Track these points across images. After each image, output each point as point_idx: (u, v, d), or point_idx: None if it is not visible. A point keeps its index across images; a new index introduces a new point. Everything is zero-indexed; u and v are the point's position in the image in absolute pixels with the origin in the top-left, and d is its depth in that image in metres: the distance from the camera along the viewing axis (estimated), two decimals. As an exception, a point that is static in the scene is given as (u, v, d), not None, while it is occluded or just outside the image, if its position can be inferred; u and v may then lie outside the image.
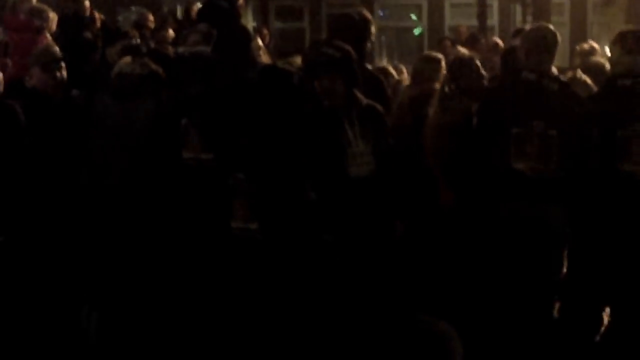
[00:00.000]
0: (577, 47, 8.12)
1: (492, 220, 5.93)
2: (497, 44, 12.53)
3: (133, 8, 21.84)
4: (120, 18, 19.94)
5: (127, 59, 6.11)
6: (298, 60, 9.39)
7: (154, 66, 6.05)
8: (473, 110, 6.32)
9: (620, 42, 6.19)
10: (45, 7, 8.86)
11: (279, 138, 5.05)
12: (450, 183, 6.28)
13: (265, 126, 5.10)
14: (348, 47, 5.55)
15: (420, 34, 22.77)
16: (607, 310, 6.36)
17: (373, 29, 6.34)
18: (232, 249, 5.16)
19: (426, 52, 8.62)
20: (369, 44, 6.30)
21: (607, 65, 8.50)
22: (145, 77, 5.98)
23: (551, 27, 6.28)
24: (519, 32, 8.87)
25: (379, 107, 5.65)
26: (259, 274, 5.05)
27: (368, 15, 6.35)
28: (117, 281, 5.68)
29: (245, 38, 5.87)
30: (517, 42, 7.30)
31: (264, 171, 4.98)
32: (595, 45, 9.07)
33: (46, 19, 8.56)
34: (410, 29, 22.91)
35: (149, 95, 5.99)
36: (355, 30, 6.11)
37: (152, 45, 6.85)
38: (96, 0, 11.79)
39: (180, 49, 6.04)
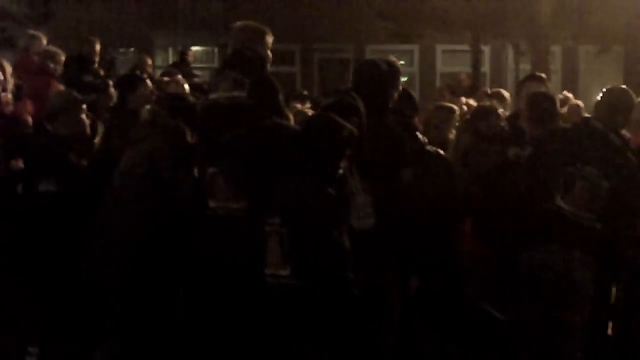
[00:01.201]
0: None
1: (520, 266, 5.93)
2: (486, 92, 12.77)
3: (121, 50, 21.88)
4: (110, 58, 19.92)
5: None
6: (299, 106, 9.37)
7: (162, 113, 6.03)
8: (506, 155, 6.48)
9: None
10: (57, 50, 8.82)
11: (318, 185, 5.00)
12: (480, 228, 6.26)
13: (305, 174, 5.03)
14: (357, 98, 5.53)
15: (407, 80, 22.84)
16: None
17: (401, 79, 6.21)
18: (266, 297, 5.06)
19: (439, 102, 8.58)
20: (395, 94, 6.13)
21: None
22: (149, 123, 5.98)
23: (626, 88, 6.54)
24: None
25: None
26: (292, 321, 4.97)
27: (397, 64, 6.18)
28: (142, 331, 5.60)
29: (275, 87, 5.76)
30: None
31: (299, 216, 4.92)
32: (569, 94, 9.53)
33: (59, 62, 8.53)
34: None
35: (149, 139, 5.93)
36: (383, 80, 5.96)
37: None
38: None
39: (213, 95, 5.87)
